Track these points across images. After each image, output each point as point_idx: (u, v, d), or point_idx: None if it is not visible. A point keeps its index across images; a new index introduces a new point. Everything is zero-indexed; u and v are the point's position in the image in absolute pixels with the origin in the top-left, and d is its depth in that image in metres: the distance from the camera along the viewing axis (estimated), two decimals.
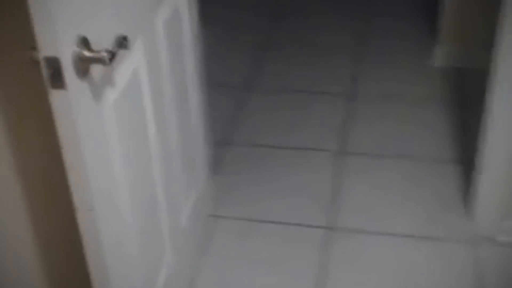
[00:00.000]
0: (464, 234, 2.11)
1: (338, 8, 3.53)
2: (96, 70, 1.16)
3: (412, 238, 2.11)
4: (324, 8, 3.54)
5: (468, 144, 2.47)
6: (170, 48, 1.60)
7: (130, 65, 1.36)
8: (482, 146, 1.99)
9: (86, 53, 1.09)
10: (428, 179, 2.35)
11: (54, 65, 1.03)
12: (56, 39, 1.01)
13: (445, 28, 2.89)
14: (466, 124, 2.61)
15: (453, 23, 2.86)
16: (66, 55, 1.04)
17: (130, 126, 1.37)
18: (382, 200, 2.27)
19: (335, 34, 3.29)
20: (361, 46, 3.18)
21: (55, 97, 1.06)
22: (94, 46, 1.11)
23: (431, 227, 2.15)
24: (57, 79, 1.04)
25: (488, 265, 2.00)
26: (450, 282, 1.96)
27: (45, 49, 1.02)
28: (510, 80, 1.82)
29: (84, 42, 1.09)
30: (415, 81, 2.89)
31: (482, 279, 1.96)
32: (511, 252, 2.04)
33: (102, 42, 1.15)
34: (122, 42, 1.18)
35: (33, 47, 1.03)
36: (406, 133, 2.58)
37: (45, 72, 1.04)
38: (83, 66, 1.10)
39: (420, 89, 2.83)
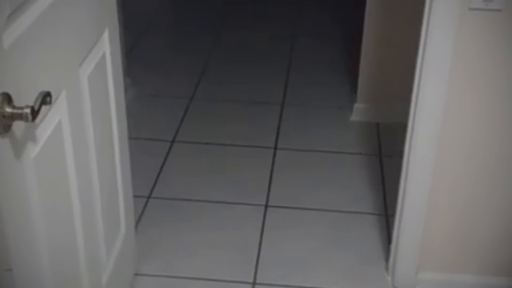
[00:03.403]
0: (383, 287, 2.15)
1: (258, 68, 3.61)
2: (18, 125, 1.13)
3: None
4: (245, 60, 3.62)
5: (389, 196, 2.54)
6: (94, 101, 1.58)
7: (53, 118, 1.33)
8: (399, 198, 2.04)
9: (8, 110, 1.07)
10: (351, 231, 2.39)
11: None
12: None
13: (363, 87, 3.02)
14: (387, 176, 2.69)
15: (371, 82, 2.99)
16: None
17: (52, 181, 1.34)
18: (304, 253, 2.28)
19: (258, 87, 3.35)
20: (285, 101, 3.25)
21: None
22: (16, 102, 1.09)
23: (352, 280, 2.17)
24: None
25: None
26: None
27: None
28: (427, 135, 1.90)
29: (7, 98, 1.06)
30: (336, 135, 2.96)
31: None
32: None
33: (25, 98, 1.13)
34: (46, 98, 1.16)
35: None
36: (328, 185, 2.63)
37: None
38: (5, 123, 1.07)
39: (341, 143, 2.91)
